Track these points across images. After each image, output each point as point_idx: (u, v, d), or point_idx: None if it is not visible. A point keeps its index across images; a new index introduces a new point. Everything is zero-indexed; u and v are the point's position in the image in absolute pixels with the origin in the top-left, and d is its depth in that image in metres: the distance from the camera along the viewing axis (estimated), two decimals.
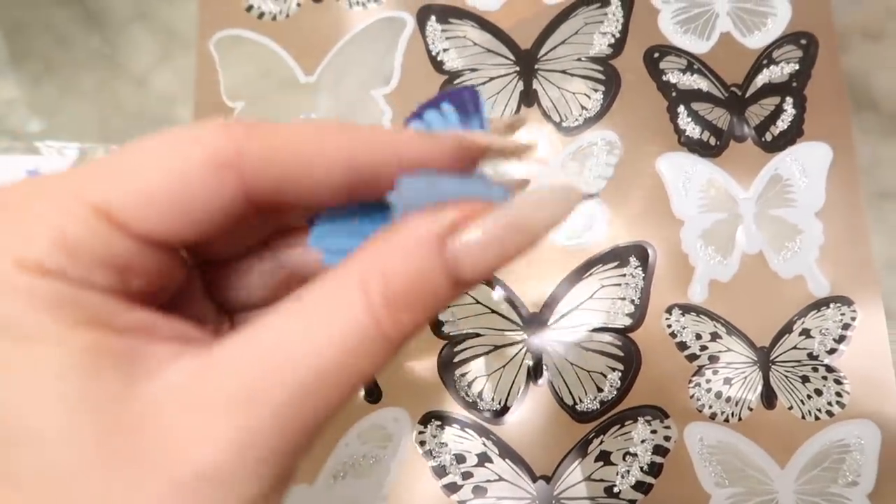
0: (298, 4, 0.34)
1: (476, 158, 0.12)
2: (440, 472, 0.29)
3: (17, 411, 0.10)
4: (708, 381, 0.29)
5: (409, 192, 0.11)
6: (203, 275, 0.13)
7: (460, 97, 0.12)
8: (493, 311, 0.30)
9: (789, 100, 0.32)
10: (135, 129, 0.34)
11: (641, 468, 0.28)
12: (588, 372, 0.29)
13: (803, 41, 0.32)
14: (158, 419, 0.10)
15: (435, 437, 0.29)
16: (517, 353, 0.29)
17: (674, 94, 0.32)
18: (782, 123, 0.31)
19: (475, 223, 0.10)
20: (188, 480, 0.09)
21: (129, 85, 0.34)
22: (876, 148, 0.31)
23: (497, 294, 0.30)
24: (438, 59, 0.33)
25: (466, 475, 0.28)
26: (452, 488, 0.28)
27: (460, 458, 0.29)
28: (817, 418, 0.28)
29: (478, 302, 0.30)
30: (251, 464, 0.10)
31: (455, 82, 0.33)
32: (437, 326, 0.30)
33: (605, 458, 0.28)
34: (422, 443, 0.29)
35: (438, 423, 0.29)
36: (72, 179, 0.11)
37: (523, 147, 0.12)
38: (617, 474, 0.28)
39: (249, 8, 0.34)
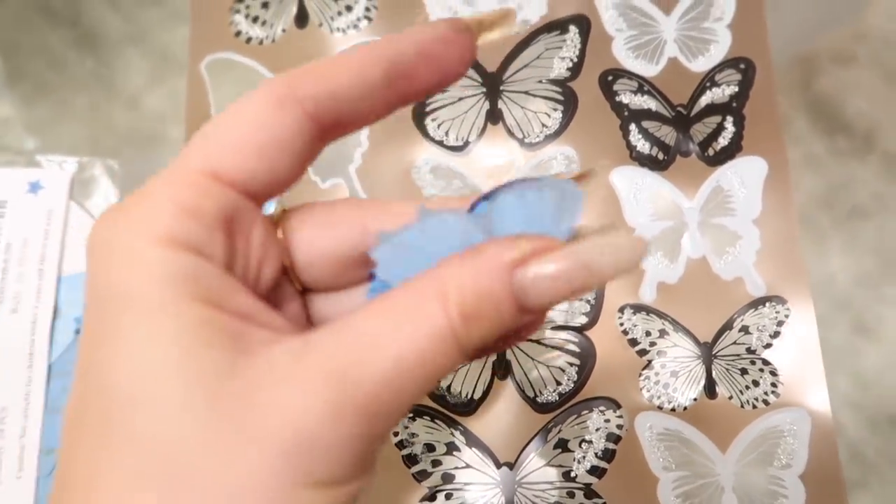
0: (283, 30, 0.37)
1: (469, 36, 0.13)
2: (411, 460, 0.31)
3: (135, 377, 0.11)
4: (657, 374, 0.32)
5: (390, 250, 0.12)
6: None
7: (563, 190, 0.12)
8: None
9: (729, 118, 0.35)
10: (127, 148, 0.36)
11: (596, 454, 0.31)
12: (548, 367, 0.32)
13: (742, 66, 0.35)
14: (262, 390, 0.11)
15: (406, 427, 0.31)
16: None
17: (626, 113, 0.35)
18: (723, 140, 0.35)
19: (546, 258, 0.11)
20: (290, 445, 0.10)
21: (121, 105, 0.37)
22: (848, 169, 0.33)
23: None
24: None
25: (436, 463, 0.31)
26: (423, 475, 0.31)
27: (430, 448, 0.31)
28: (755, 407, 0.31)
29: None
30: (345, 434, 0.11)
31: (426, 101, 0.36)
32: None
33: (563, 445, 0.31)
34: (394, 433, 0.31)
35: (410, 414, 0.31)
36: (181, 157, 0.12)
37: (503, 16, 0.14)
38: (574, 460, 0.31)
39: (238, 33, 0.37)
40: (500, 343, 0.13)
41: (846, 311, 0.32)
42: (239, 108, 0.13)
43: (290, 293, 0.15)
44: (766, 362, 0.32)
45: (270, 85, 0.13)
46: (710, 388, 0.31)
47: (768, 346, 0.32)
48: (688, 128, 0.35)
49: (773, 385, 0.31)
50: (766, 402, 0.31)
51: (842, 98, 0.35)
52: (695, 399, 0.31)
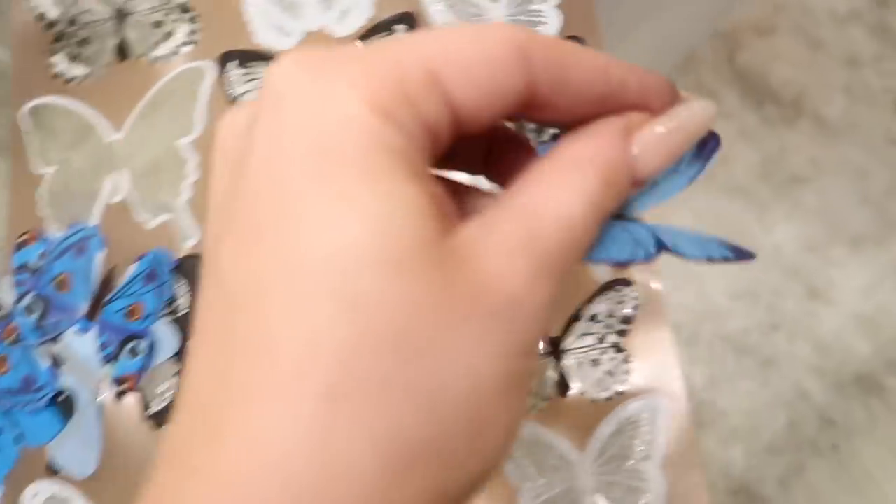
0: (106, 66, 0.36)
1: (677, 103, 0.14)
2: None
3: (364, 239, 0.10)
4: None
5: None
6: None
7: (706, 141, 0.14)
8: None
9: None
10: None
11: None
12: None
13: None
14: (472, 257, 0.11)
15: None
16: None
17: None
18: None
19: (648, 125, 0.13)
20: (504, 308, 0.11)
21: None
22: (782, 137, 0.33)
23: None
24: (239, 102, 0.35)
25: None
26: None
27: None
28: (609, 399, 0.29)
29: None
30: (542, 295, 0.11)
31: None
32: None
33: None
34: None
35: None
36: (408, 45, 0.12)
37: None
38: None
39: (57, 75, 0.36)
40: None
41: (797, 279, 0.31)
42: (480, 35, 0.12)
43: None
44: (618, 349, 0.30)
45: (513, 31, 0.12)
46: (561, 385, 0.30)
47: (620, 332, 0.30)
48: None
49: (626, 373, 0.29)
50: (620, 393, 0.29)
51: (766, 68, 0.34)
52: (546, 399, 0.29)
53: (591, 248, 0.13)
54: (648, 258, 0.14)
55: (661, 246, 0.14)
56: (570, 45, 0.13)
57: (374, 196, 0.11)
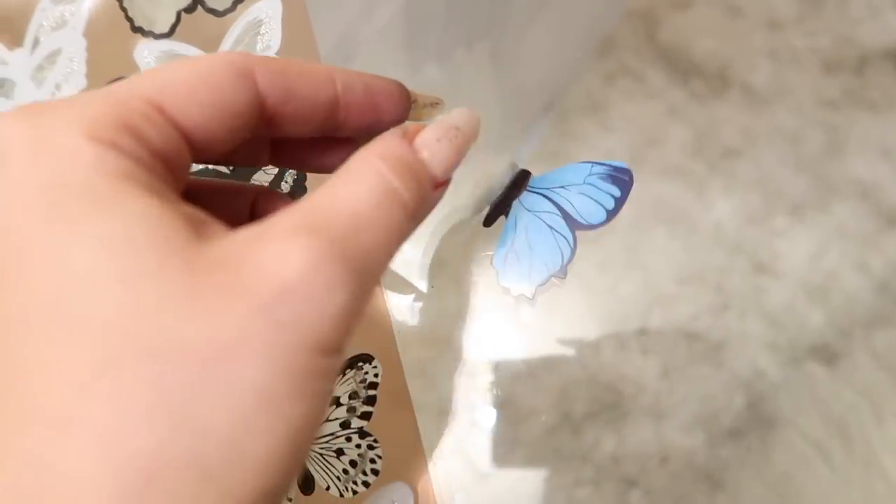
0: None
1: (409, 102, 0.16)
2: None
3: (95, 257, 0.10)
4: None
5: None
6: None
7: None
8: None
9: None
10: None
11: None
12: None
13: None
14: (233, 256, 0.10)
15: None
16: None
17: None
18: None
19: (424, 132, 0.14)
20: (272, 299, 0.10)
21: None
22: (711, 111, 0.31)
23: None
24: None
25: None
26: None
27: None
28: (355, 493, 0.26)
29: None
30: (325, 279, 0.10)
31: None
32: None
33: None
34: None
35: None
36: (128, 83, 0.12)
37: (436, 100, 0.17)
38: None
39: None
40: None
41: (742, 255, 0.29)
42: (198, 63, 0.13)
43: None
44: (363, 434, 0.26)
45: (230, 55, 0.13)
46: (304, 482, 0.27)
47: (365, 415, 0.26)
48: None
49: (373, 461, 0.26)
50: (366, 484, 0.26)
51: (688, 42, 0.32)
52: (290, 500, 0.27)
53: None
54: (573, 247, 0.15)
55: (574, 227, 0.16)
56: (292, 59, 0.14)
57: (104, 217, 0.10)
